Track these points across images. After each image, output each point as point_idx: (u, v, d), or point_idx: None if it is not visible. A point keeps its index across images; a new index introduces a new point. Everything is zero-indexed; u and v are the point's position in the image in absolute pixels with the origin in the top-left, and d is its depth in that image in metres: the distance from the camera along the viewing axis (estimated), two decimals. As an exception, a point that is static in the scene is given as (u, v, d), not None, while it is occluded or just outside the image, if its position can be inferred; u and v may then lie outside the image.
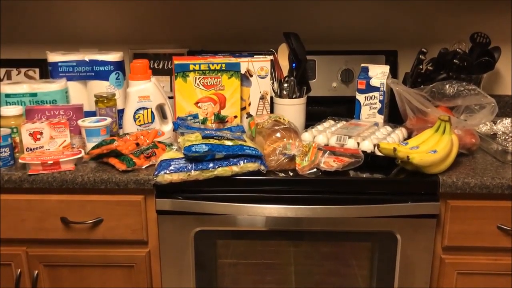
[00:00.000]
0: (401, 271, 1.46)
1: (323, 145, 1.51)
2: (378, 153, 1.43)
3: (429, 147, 1.41)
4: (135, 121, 1.62)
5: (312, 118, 1.73)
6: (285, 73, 1.72)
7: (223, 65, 1.60)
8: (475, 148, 1.57)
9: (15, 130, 1.52)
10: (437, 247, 1.47)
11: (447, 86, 1.59)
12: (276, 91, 1.72)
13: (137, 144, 1.49)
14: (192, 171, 1.37)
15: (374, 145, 1.45)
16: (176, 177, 1.37)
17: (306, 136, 1.55)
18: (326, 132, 1.56)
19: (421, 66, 1.73)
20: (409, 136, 1.59)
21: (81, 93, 1.74)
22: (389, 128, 1.62)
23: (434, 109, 1.54)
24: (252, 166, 1.40)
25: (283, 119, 1.55)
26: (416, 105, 1.54)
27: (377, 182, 1.42)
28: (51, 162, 1.43)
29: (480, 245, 1.45)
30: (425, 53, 1.72)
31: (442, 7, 1.96)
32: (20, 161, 1.44)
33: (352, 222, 1.43)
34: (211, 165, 1.38)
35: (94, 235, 1.48)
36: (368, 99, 1.69)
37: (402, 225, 1.43)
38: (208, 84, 1.61)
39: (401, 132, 1.59)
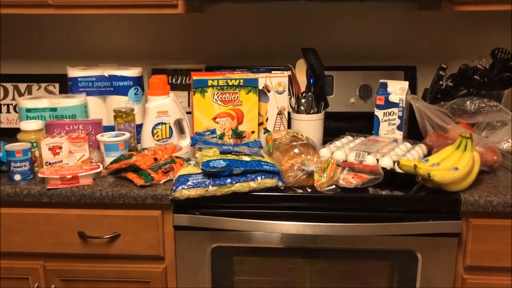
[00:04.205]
0: (422, 291, 1.43)
1: (342, 161, 1.49)
2: (398, 170, 1.41)
3: (451, 164, 1.38)
4: (153, 136, 1.63)
5: (330, 134, 1.71)
6: (303, 88, 1.71)
7: (241, 81, 1.61)
8: (496, 166, 1.54)
9: (35, 144, 1.54)
10: (459, 267, 1.44)
11: (468, 102, 1.57)
12: (293, 106, 1.71)
13: (155, 159, 1.49)
14: (210, 186, 1.37)
15: (394, 162, 1.43)
16: (193, 192, 1.37)
17: (324, 152, 1.54)
18: (345, 148, 1.54)
19: (441, 82, 1.71)
20: (429, 152, 1.57)
21: (100, 108, 1.76)
22: (408, 145, 1.60)
23: (455, 126, 1.52)
24: (270, 182, 1.39)
25: (301, 134, 1.55)
26: (436, 121, 1.52)
27: (397, 199, 1.40)
28: (69, 176, 1.44)
29: (503, 265, 1.42)
30: (445, 69, 1.71)
31: (462, 22, 1.94)
32: (39, 175, 1.45)
33: (371, 240, 1.41)
34: (228, 180, 1.37)
35: (111, 250, 1.48)
36: (387, 115, 1.67)
37: (422, 244, 1.40)
38: (226, 99, 1.62)
39: (421, 148, 1.57)
